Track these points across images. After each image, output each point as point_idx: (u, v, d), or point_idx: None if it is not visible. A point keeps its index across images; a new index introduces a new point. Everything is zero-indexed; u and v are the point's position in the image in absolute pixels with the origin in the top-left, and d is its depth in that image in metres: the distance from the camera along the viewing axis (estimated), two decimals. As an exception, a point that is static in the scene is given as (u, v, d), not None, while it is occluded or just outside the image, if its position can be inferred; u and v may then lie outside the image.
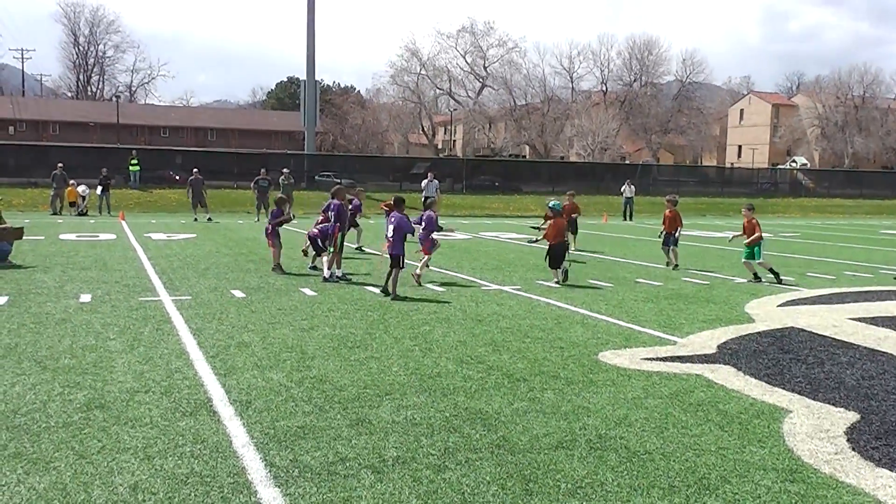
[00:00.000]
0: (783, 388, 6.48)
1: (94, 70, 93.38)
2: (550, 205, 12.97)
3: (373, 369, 6.76)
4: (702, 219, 37.46)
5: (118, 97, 79.88)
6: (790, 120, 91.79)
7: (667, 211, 15.11)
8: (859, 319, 9.74)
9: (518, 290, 11.68)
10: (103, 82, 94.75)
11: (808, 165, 78.70)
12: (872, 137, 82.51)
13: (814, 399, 6.20)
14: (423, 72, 74.93)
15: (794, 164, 74.75)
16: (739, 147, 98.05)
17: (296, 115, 64.21)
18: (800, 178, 58.25)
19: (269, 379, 6.36)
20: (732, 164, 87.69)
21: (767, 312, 10.19)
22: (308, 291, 11.00)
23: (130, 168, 37.03)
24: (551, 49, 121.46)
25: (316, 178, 42.19)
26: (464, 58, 75.92)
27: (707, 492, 4.32)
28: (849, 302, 11.24)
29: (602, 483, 4.40)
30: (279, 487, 4.23)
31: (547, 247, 12.49)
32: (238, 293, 10.74)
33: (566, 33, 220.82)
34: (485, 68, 76.40)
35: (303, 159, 43.51)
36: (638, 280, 13.09)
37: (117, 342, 7.58)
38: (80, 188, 29.36)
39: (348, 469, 4.50)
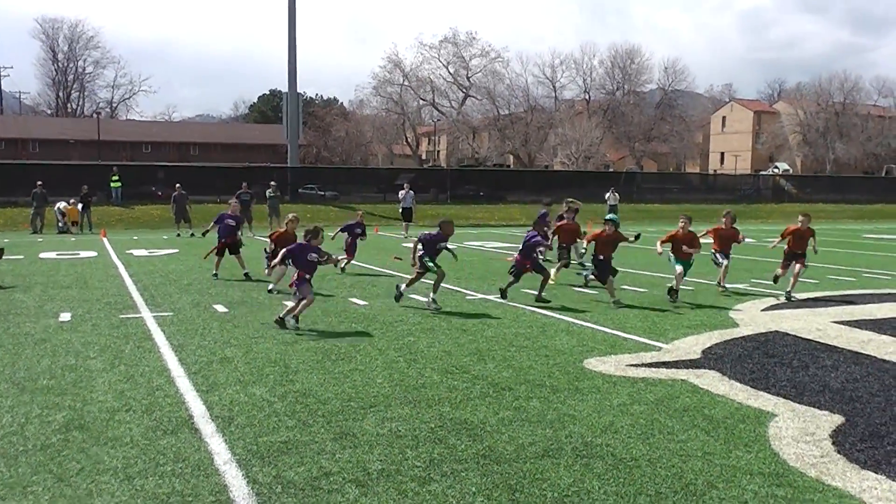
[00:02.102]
0: (768, 392, 6.48)
1: (74, 86, 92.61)
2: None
3: (357, 382, 6.70)
4: (686, 225, 37.62)
5: (99, 113, 79.20)
6: (772, 127, 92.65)
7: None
8: (843, 323, 9.79)
9: (502, 298, 11.65)
10: (83, 99, 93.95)
11: (791, 171, 79.44)
12: (853, 143, 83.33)
13: (799, 402, 6.21)
14: (406, 83, 74.90)
15: (776, 171, 75.43)
16: (722, 154, 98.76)
17: (279, 128, 63.91)
18: (782, 184, 58.73)
19: (252, 394, 6.29)
20: (716, 170, 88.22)
21: (752, 317, 10.22)
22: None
23: (112, 185, 36.76)
24: (534, 58, 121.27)
25: (300, 190, 42.12)
26: (447, 68, 75.94)
27: (694, 497, 4.30)
28: (832, 305, 11.31)
29: (588, 491, 4.36)
30: (261, 504, 4.17)
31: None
32: (220, 308, 10.65)
33: (548, 43, 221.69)
34: (468, 78, 76.50)
35: (286, 172, 43.38)
36: (622, 287, 13.09)
37: (97, 361, 7.48)
38: (60, 205, 29.21)
39: (332, 484, 4.44)
